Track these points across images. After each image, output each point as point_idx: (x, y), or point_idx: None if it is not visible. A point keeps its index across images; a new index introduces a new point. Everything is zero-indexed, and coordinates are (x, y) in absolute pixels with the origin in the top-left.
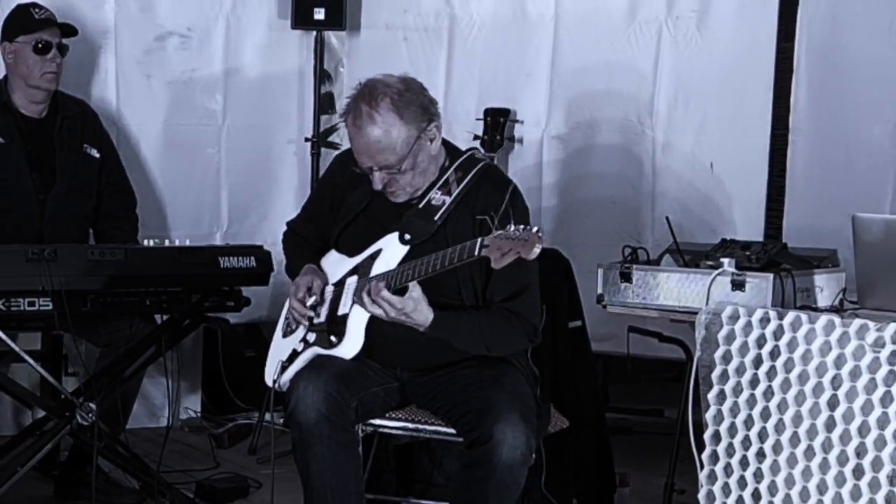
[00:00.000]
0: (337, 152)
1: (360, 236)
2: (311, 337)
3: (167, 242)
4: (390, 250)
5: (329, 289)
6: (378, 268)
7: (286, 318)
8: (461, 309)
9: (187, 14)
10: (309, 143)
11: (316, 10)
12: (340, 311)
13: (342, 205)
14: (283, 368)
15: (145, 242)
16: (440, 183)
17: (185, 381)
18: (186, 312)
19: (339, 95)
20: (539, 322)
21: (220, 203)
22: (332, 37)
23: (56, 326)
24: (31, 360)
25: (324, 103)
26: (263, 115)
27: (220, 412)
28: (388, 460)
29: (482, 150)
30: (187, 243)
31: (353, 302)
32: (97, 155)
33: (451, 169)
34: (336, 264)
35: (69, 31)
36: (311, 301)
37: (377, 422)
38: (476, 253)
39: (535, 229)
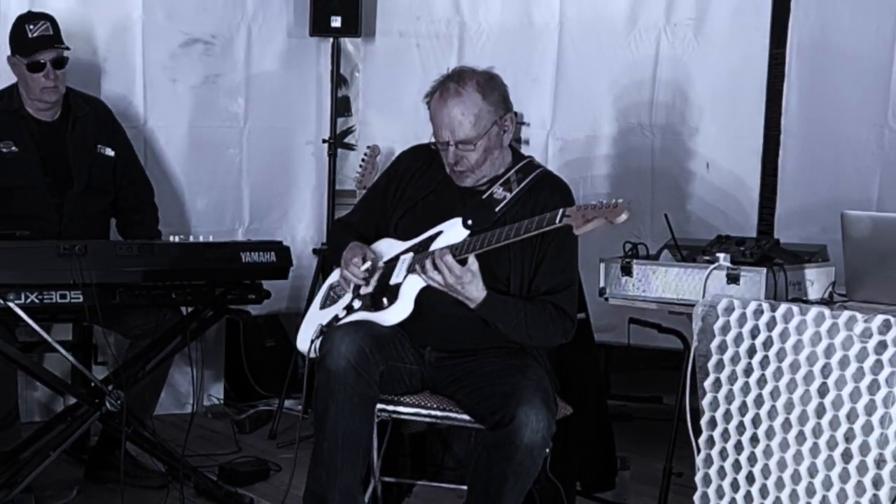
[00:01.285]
0: (405, 148)
1: (419, 223)
2: (357, 304)
3: (192, 238)
4: (451, 233)
5: (381, 265)
6: (436, 246)
7: (325, 294)
8: (508, 295)
9: (211, 22)
10: (326, 145)
11: (333, 18)
12: (393, 281)
13: (404, 193)
14: (322, 333)
15: (171, 238)
16: (502, 180)
17: (208, 370)
18: (210, 305)
19: (354, 99)
20: (576, 319)
21: (241, 201)
22: (348, 43)
23: (86, 318)
24: (62, 350)
25: (340, 106)
26: (283, 117)
27: (242, 399)
28: (403, 445)
29: (535, 159)
30: (211, 239)
31: (408, 272)
32: (111, 153)
33: (514, 170)
34: (390, 246)
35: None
36: (365, 266)
37: (391, 408)
38: (557, 221)
39: (626, 201)
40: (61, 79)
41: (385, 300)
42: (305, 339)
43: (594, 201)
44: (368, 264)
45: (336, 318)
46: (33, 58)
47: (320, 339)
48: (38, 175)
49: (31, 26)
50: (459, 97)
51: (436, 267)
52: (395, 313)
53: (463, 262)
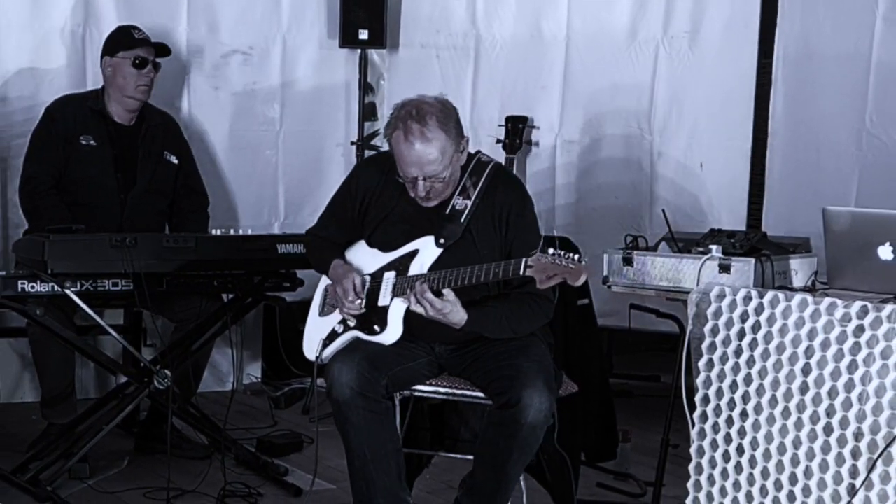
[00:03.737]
0: (358, 161)
1: (393, 234)
2: (351, 321)
3: (232, 232)
4: (426, 251)
5: (366, 279)
6: (414, 267)
7: (322, 300)
8: (488, 300)
9: (249, 35)
10: (354, 147)
11: (360, 31)
12: (381, 303)
13: (370, 206)
14: (324, 345)
15: (213, 231)
16: (459, 189)
17: (247, 351)
18: (249, 292)
19: (380, 105)
20: (554, 298)
21: (277, 198)
22: (374, 54)
23: (136, 304)
24: (114, 333)
25: (367, 112)
26: (315, 121)
27: (278, 378)
28: (423, 419)
29: (483, 153)
30: (249, 232)
31: (393, 296)
32: (176, 161)
33: (466, 175)
34: (370, 257)
35: (162, 51)
36: (357, 303)
37: (413, 387)
38: (521, 272)
39: (583, 260)
40: (153, 83)
41: (376, 326)
42: (310, 350)
43: (559, 256)
44: (360, 302)
45: (334, 333)
46: (139, 53)
47: (324, 350)
48: (110, 170)
49: (136, 31)
50: (425, 138)
51: (418, 301)
52: (387, 337)
53: (439, 293)
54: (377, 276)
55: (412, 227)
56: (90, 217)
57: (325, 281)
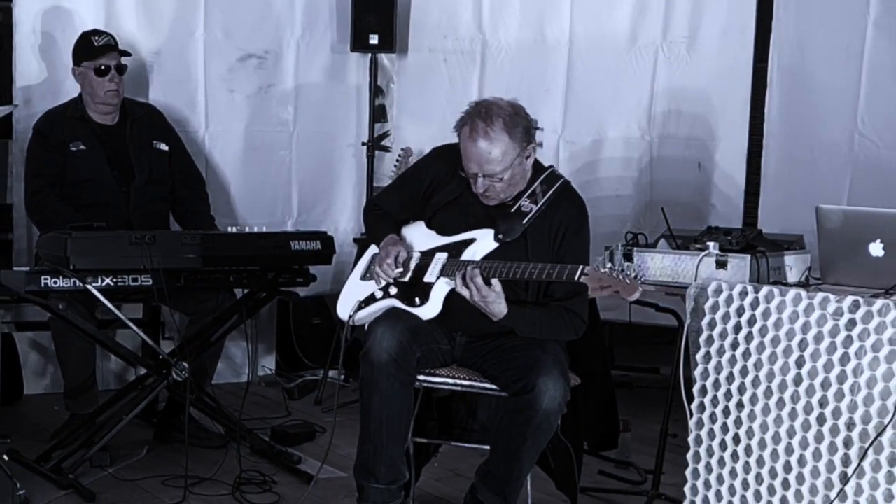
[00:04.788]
0: (435, 146)
1: (452, 220)
2: (393, 290)
3: (247, 229)
4: (482, 242)
5: (416, 254)
6: (467, 254)
7: (367, 265)
8: (526, 304)
9: (264, 39)
10: (365, 147)
11: (371, 36)
12: (426, 279)
13: (436, 190)
14: (360, 307)
15: (229, 229)
16: (529, 192)
17: (262, 344)
18: (263, 287)
19: (390, 107)
20: (586, 319)
21: (291, 196)
22: (384, 58)
23: (155, 299)
24: (134, 327)
25: (377, 114)
26: (327, 123)
27: (292, 370)
28: (431, 410)
29: (556, 169)
30: (264, 230)
31: (441, 275)
32: (166, 148)
33: (538, 182)
34: (426, 236)
35: (125, 51)
36: (396, 272)
37: (422, 377)
38: (575, 278)
39: (640, 278)
40: (122, 83)
41: (417, 299)
42: (345, 308)
43: (615, 271)
44: (400, 269)
45: (373, 297)
46: (99, 62)
47: (359, 311)
48: (105, 169)
49: (97, 38)
50: (488, 137)
51: (465, 283)
52: (425, 313)
53: (488, 280)
54: (429, 254)
55: (474, 218)
56: (98, 215)
57: (373, 249)
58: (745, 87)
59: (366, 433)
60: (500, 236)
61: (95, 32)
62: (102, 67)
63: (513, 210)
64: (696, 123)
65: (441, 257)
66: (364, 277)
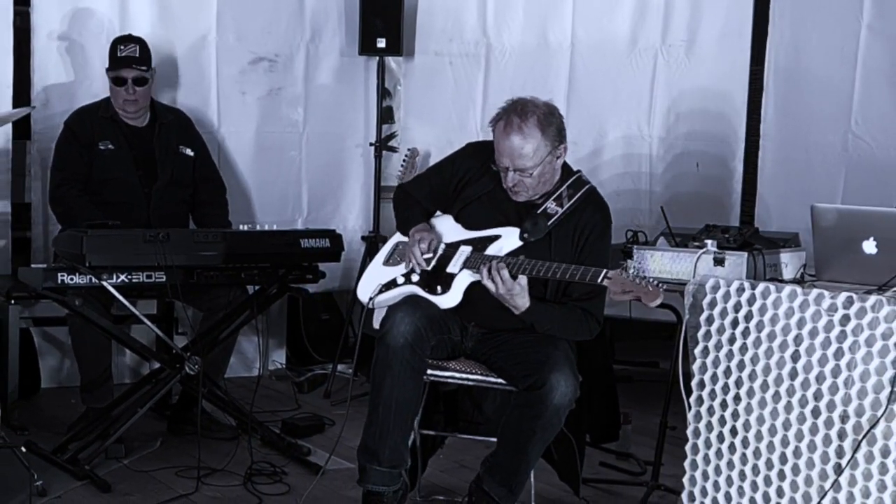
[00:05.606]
0: (470, 141)
1: (480, 215)
2: (415, 277)
3: (258, 227)
4: (508, 239)
5: (442, 245)
6: (492, 250)
7: (392, 251)
8: (545, 301)
9: (275, 43)
10: (373, 147)
11: (378, 39)
12: (450, 269)
13: (467, 185)
14: (380, 290)
15: (241, 227)
16: (555, 195)
17: (272, 339)
18: (274, 283)
19: (397, 109)
20: (602, 320)
21: (300, 195)
22: (391, 61)
23: (168, 295)
24: (148, 322)
25: (384, 115)
26: (336, 124)
27: (301, 364)
28: (438, 403)
29: (584, 174)
30: (274, 228)
31: (464, 266)
32: (191, 153)
33: (565, 185)
34: (452, 229)
35: (143, 67)
36: (426, 256)
37: (431, 371)
38: (598, 281)
39: (662, 286)
40: (140, 94)
41: (439, 287)
42: (366, 291)
43: (637, 277)
44: (430, 255)
45: (394, 282)
46: (118, 73)
47: (379, 294)
48: (131, 169)
49: (122, 47)
50: (521, 133)
51: (491, 276)
52: (445, 301)
53: (514, 277)
54: (454, 246)
55: (502, 215)
56: (119, 214)
57: (398, 237)
58: (743, 89)
59: (374, 415)
60: (526, 235)
61: (123, 40)
62: (118, 79)
63: (539, 211)
64: (695, 124)
65: (466, 250)
66: (387, 263)
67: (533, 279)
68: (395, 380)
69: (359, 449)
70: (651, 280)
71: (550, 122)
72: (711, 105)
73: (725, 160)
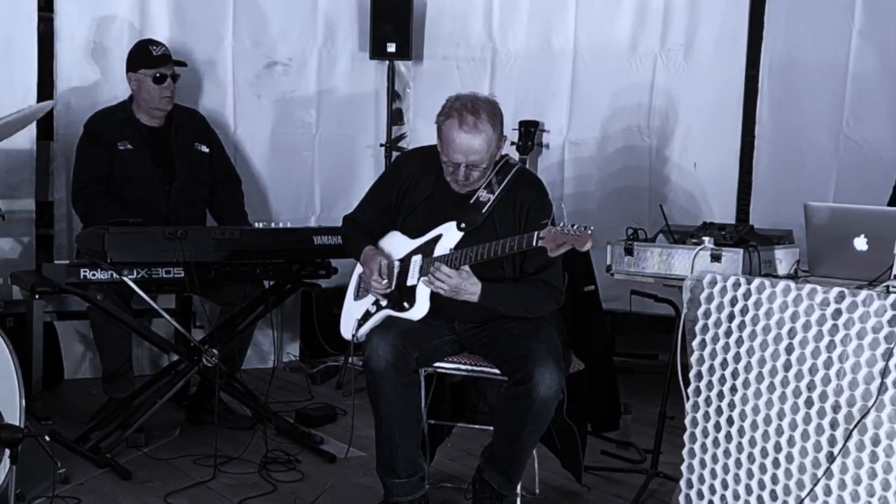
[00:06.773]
0: (398, 154)
1: (420, 221)
2: (384, 302)
3: (273, 225)
4: (449, 235)
5: (396, 264)
6: (439, 249)
7: (357, 285)
8: (503, 280)
9: (289, 47)
10: (383, 148)
11: (388, 44)
12: (409, 282)
13: (408, 191)
14: (359, 325)
15: (256, 224)
16: (484, 184)
17: (286, 332)
18: (288, 279)
19: (406, 111)
20: (563, 287)
21: (314, 194)
22: (401, 65)
23: (186, 290)
24: (167, 316)
25: (394, 117)
26: (347, 126)
27: (314, 356)
28: (444, 394)
29: (511, 157)
30: (289, 225)
31: (420, 275)
32: (207, 150)
33: (492, 172)
34: (400, 243)
35: (181, 61)
36: (384, 282)
37: (437, 364)
38: (534, 243)
39: (589, 229)
40: (174, 92)
41: (405, 303)
42: (347, 329)
43: (567, 227)
44: (386, 281)
45: (368, 313)
46: (158, 70)
47: (359, 329)
48: (150, 168)
49: (154, 47)
50: (476, 129)
51: (432, 281)
52: (416, 314)
53: (457, 268)
54: (406, 260)
55: (437, 214)
56: (140, 211)
57: (359, 269)
58: (738, 92)
59: (380, 435)
60: (463, 225)
61: (152, 42)
62: (159, 76)
63: (471, 202)
64: (692, 125)
65: (417, 259)
66: (357, 297)
67: (486, 266)
68: (388, 400)
69: (377, 467)
70: (579, 227)
71: (497, 116)
72: (708, 107)
73: (722, 160)
